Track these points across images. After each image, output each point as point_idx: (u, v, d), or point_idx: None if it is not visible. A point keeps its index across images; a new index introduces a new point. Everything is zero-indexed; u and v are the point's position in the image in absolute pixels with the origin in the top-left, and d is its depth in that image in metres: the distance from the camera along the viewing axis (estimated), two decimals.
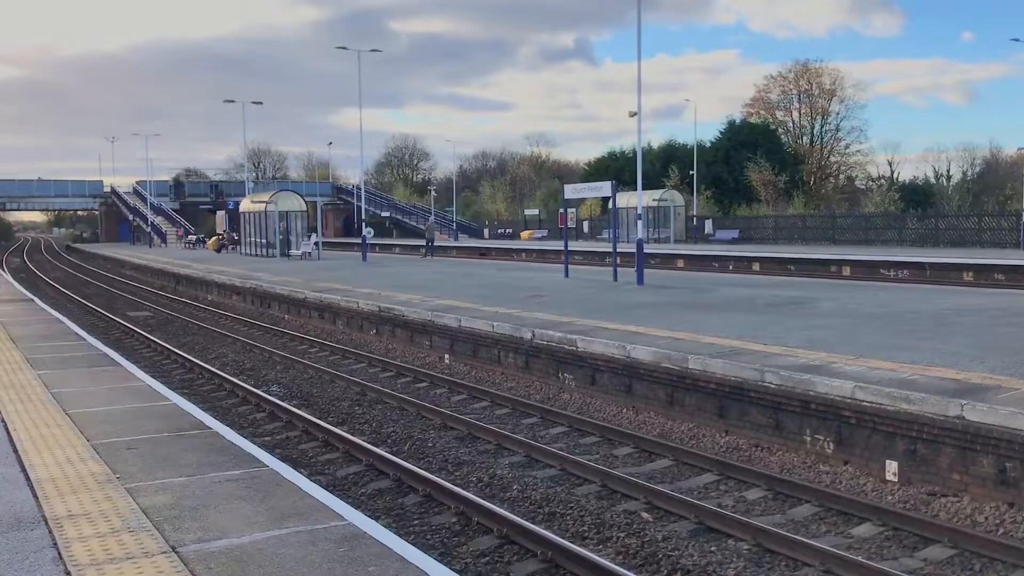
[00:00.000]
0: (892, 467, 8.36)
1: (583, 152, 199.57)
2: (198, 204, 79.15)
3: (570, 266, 26.11)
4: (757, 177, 63.39)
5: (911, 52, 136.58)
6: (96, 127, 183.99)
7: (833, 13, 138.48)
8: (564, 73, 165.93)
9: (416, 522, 7.65)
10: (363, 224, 43.63)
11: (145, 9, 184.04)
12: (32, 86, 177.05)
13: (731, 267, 34.57)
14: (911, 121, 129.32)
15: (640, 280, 22.13)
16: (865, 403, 8.64)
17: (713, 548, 6.96)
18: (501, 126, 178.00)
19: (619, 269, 24.20)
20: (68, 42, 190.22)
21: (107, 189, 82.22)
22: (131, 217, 77.39)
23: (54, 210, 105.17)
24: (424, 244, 46.38)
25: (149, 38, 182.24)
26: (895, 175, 76.71)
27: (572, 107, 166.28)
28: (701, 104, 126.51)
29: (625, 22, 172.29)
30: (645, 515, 7.75)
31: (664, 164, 68.96)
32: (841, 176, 79.79)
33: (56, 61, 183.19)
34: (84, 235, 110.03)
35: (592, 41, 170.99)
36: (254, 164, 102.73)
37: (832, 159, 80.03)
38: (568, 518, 7.69)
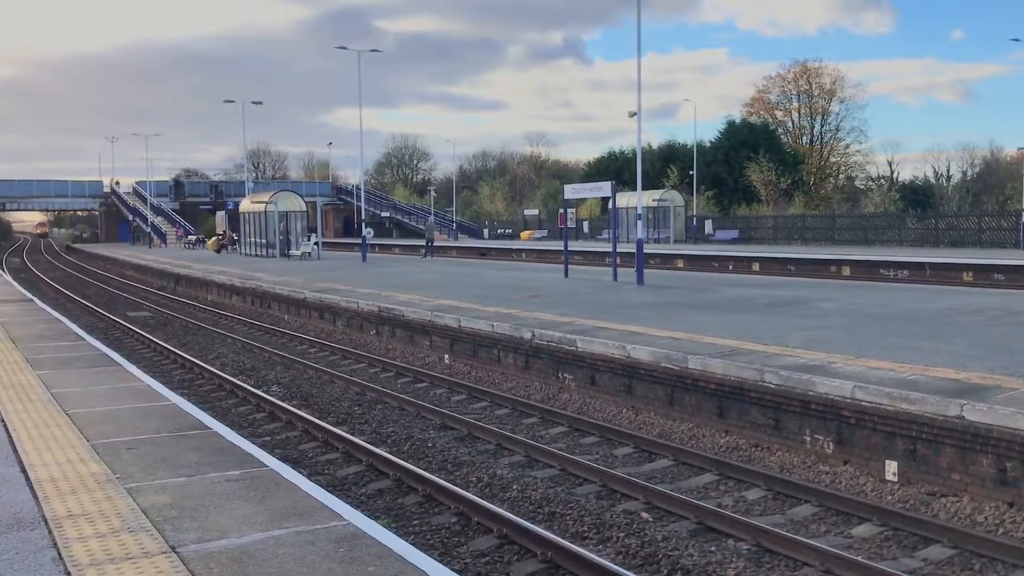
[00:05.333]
0: (892, 467, 8.37)
1: (578, 152, 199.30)
2: (198, 204, 79.05)
3: (570, 266, 26.10)
4: (758, 177, 63.43)
5: (903, 52, 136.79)
6: (86, 127, 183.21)
7: (823, 11, 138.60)
8: (555, 72, 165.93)
9: (416, 522, 7.65)
10: (363, 224, 43.61)
11: (129, 9, 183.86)
12: (19, 86, 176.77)
13: (731, 267, 34.58)
14: (909, 121, 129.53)
15: (640, 280, 22.13)
16: (865, 403, 8.64)
17: (713, 548, 6.96)
18: (496, 126, 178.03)
19: (619, 269, 24.20)
20: (53, 42, 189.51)
21: (107, 189, 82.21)
22: (131, 217, 77.31)
23: (54, 210, 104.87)
24: (424, 244, 46.39)
25: (135, 38, 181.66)
26: (895, 175, 76.90)
27: (565, 106, 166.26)
28: (691, 103, 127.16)
29: (614, 21, 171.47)
30: (645, 515, 7.76)
31: (664, 164, 69.04)
32: (841, 176, 79.86)
33: (42, 61, 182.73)
34: (84, 235, 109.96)
35: (582, 40, 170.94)
36: (253, 164, 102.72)
37: (832, 159, 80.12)
38: (568, 518, 7.69)
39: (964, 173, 78.61)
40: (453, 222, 75.48)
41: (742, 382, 9.97)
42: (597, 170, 74.41)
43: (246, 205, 48.12)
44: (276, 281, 26.44)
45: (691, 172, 61.56)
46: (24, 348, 13.15)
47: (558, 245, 33.48)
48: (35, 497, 5.76)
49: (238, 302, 27.27)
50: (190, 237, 64.66)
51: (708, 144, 72.86)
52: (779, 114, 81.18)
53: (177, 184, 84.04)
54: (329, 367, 15.62)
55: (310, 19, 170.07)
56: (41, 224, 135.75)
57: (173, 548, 4.80)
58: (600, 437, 10.49)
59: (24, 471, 6.39)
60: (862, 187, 74.92)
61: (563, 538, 6.93)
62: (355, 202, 67.74)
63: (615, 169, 69.57)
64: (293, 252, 42.73)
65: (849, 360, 10.10)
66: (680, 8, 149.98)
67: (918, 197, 65.80)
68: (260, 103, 57.75)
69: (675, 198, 54.80)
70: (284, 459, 8.41)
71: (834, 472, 8.73)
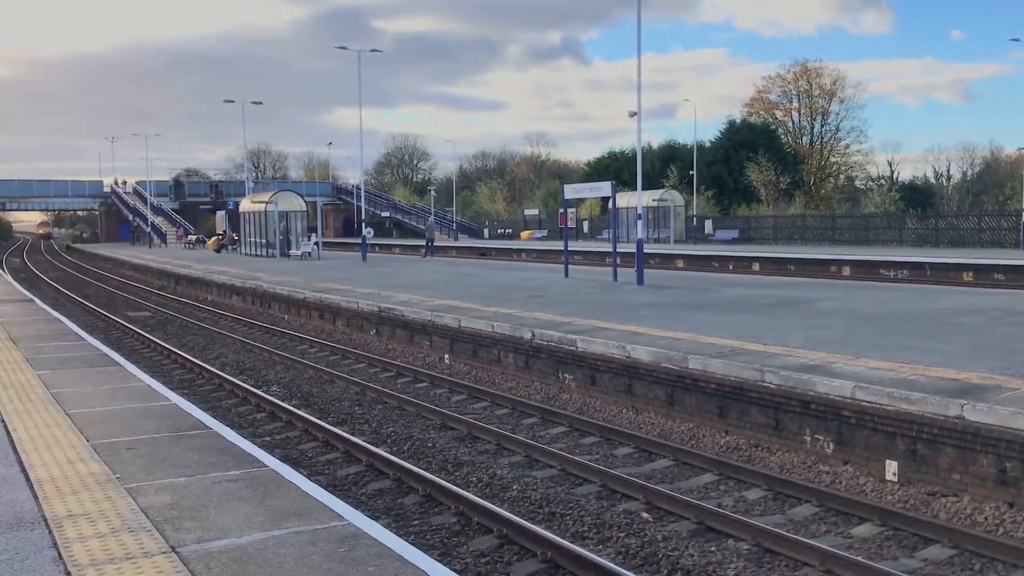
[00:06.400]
0: (892, 467, 8.37)
1: (577, 152, 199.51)
2: (198, 204, 79.05)
3: (570, 266, 26.11)
4: (758, 177, 63.43)
5: (902, 52, 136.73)
6: (86, 127, 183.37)
7: (822, 11, 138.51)
8: (554, 72, 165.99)
9: (416, 522, 7.65)
10: (363, 224, 43.61)
11: (127, 9, 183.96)
12: (19, 86, 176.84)
13: (731, 267, 34.58)
14: (909, 121, 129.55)
15: (640, 280, 22.13)
16: (865, 403, 8.64)
17: (713, 548, 6.96)
18: (495, 126, 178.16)
19: (619, 269, 24.20)
20: (53, 42, 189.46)
21: (107, 189, 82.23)
22: (131, 217, 77.33)
23: (54, 210, 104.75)
24: (424, 244, 46.40)
25: (133, 39, 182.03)
26: (895, 175, 76.88)
27: (563, 106, 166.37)
28: (691, 103, 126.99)
29: (612, 21, 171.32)
30: (645, 515, 7.75)
31: (664, 164, 69.04)
32: (841, 176, 79.86)
33: (42, 61, 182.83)
34: (84, 235, 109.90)
35: (580, 40, 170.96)
36: (253, 164, 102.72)
37: (832, 159, 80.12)
38: (568, 518, 7.69)
39: (964, 173, 78.69)
40: (453, 222, 75.48)
41: (742, 382, 9.97)
42: (597, 170, 74.41)
43: (246, 205, 48.13)
44: (276, 281, 26.44)
45: (691, 172, 61.57)
46: (24, 348, 13.15)
47: (558, 245, 33.48)
48: (35, 497, 5.76)
49: (238, 302, 27.26)
50: (190, 237, 64.68)
51: (708, 144, 72.87)
52: (779, 114, 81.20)
53: (177, 184, 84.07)
54: (329, 367, 15.62)
55: (307, 19, 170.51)
56: (43, 224, 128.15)
57: (173, 548, 4.80)
58: (600, 437, 10.49)
59: (24, 471, 6.39)
60: (862, 187, 74.94)
61: (563, 538, 6.93)
62: (355, 202, 67.74)
63: (615, 169, 69.56)
64: (293, 252, 42.74)
65: (849, 360, 10.10)
66: (678, 8, 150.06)
67: (918, 197, 65.75)
68: (260, 103, 57.89)
69: (675, 198, 54.81)
70: (284, 459, 8.41)
71: (834, 472, 8.73)
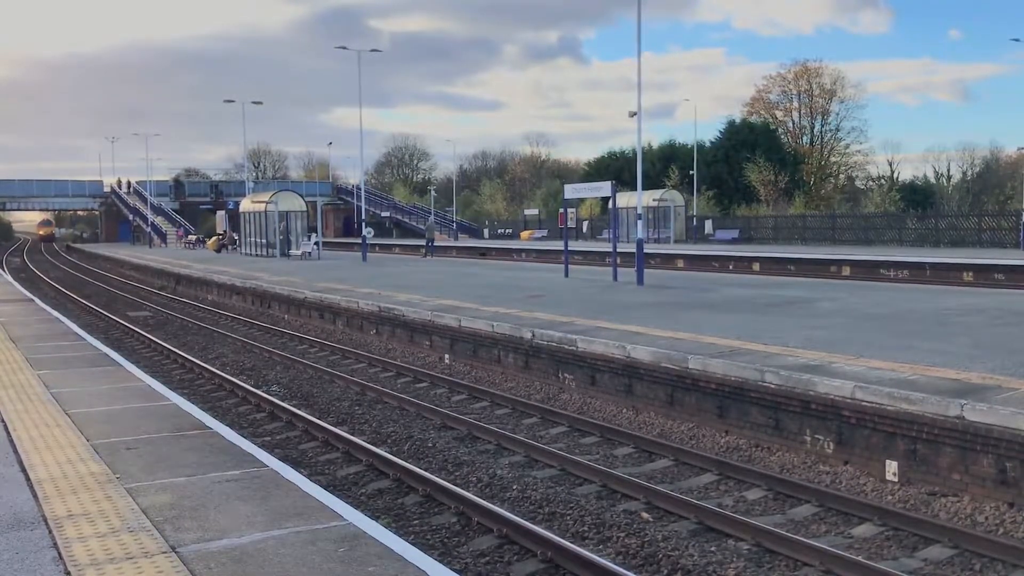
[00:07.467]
0: (892, 467, 8.37)
1: (577, 152, 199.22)
2: (198, 204, 79.15)
3: (570, 266, 26.10)
4: (757, 177, 63.44)
5: (900, 52, 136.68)
6: (85, 127, 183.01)
7: (820, 11, 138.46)
8: (552, 72, 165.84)
9: (416, 522, 7.65)
10: (363, 224, 43.62)
11: (126, 10, 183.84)
12: (18, 87, 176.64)
13: (731, 267, 34.57)
14: (908, 121, 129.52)
15: (640, 280, 22.12)
16: (865, 403, 8.64)
17: (713, 548, 6.96)
18: (494, 126, 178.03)
19: (619, 269, 24.18)
20: (52, 43, 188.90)
21: (107, 189, 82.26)
22: (131, 217, 77.36)
23: (54, 210, 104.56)
24: (424, 244, 46.41)
25: (131, 39, 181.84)
26: (895, 175, 76.87)
27: (562, 106, 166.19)
28: (691, 103, 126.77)
29: (610, 20, 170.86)
30: (645, 515, 7.75)
31: (664, 164, 69.07)
32: (841, 176, 79.86)
33: (41, 62, 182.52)
34: (84, 235, 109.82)
35: (578, 39, 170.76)
36: (253, 164, 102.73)
37: (832, 159, 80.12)
38: (568, 518, 7.69)
39: (964, 173, 78.65)
40: (453, 222, 75.49)
41: (742, 382, 9.97)
42: (597, 170, 74.44)
43: (246, 205, 48.12)
44: (276, 281, 26.44)
45: (691, 172, 61.58)
46: (24, 348, 13.15)
47: (558, 245, 33.48)
48: (35, 497, 5.76)
49: (238, 302, 27.26)
50: (190, 237, 64.69)
51: (708, 144, 72.91)
52: (779, 114, 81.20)
53: (177, 184, 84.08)
54: (329, 367, 15.62)
55: (305, 19, 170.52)
56: (44, 223, 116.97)
57: (173, 548, 4.80)
58: (600, 437, 10.49)
59: (24, 471, 6.39)
60: (862, 187, 74.96)
61: (563, 538, 6.93)
62: (355, 202, 67.78)
63: (615, 169, 69.56)
64: (293, 252, 42.73)
65: (849, 360, 10.10)
66: (676, 7, 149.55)
67: (918, 197, 65.75)
68: (260, 103, 57.82)
69: (675, 198, 54.79)
70: (284, 459, 8.41)
71: (834, 472, 8.73)
